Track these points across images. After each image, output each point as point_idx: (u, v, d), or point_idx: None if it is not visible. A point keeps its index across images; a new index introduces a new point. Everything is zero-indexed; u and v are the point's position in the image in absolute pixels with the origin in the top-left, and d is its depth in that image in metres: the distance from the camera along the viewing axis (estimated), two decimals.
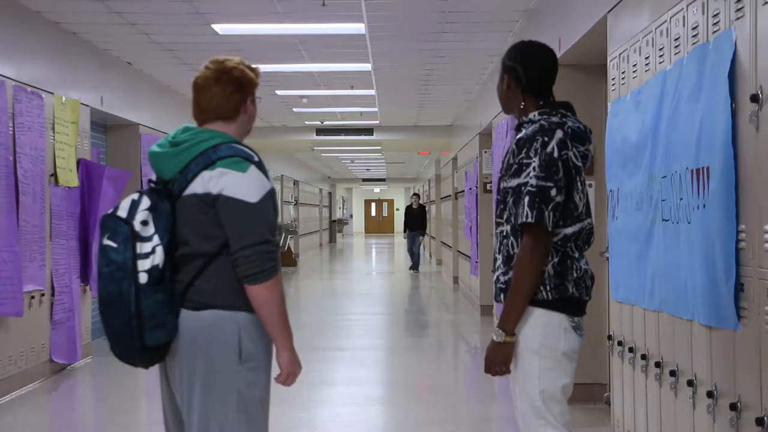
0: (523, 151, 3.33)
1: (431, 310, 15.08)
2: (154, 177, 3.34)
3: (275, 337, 3.26)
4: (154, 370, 3.38)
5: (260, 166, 3.26)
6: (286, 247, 25.76)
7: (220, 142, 3.26)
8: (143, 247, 3.15)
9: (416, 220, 23.24)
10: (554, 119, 3.40)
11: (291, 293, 18.37)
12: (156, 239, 3.17)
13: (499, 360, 3.35)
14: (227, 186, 3.19)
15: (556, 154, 3.30)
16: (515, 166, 3.35)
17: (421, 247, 23.94)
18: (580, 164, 3.38)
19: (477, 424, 6.94)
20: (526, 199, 3.28)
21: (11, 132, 7.62)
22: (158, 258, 3.16)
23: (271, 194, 3.25)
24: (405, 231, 23.53)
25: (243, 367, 3.22)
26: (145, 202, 3.20)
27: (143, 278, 3.13)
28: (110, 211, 3.21)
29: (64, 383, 8.48)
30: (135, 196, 3.24)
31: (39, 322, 8.30)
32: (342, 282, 21.18)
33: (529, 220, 3.27)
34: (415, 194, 24.26)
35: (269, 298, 3.20)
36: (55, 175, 8.59)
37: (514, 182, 3.34)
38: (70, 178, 8.92)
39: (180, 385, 3.25)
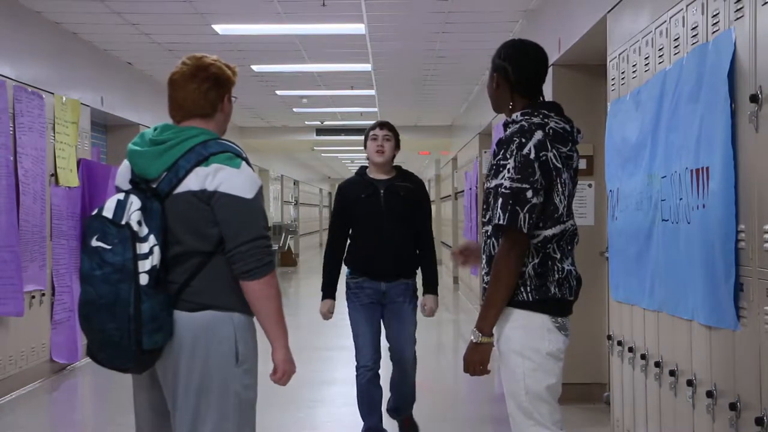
0: (501, 152, 3.30)
1: None
2: (128, 176, 3.26)
3: (271, 333, 3.21)
4: None
5: (248, 162, 3.25)
6: (286, 247, 25.74)
7: (208, 138, 3.22)
8: (141, 248, 3.08)
9: (403, 239, 5.85)
10: (535, 120, 3.34)
11: (291, 293, 18.37)
12: (152, 239, 3.09)
13: (476, 360, 3.34)
14: (223, 182, 3.15)
15: (532, 156, 3.24)
16: (494, 167, 3.33)
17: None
18: (560, 165, 3.30)
19: (476, 425, 6.94)
20: (499, 201, 3.25)
21: (12, 132, 7.62)
22: (156, 258, 3.09)
23: (261, 189, 3.23)
24: (352, 273, 6.17)
25: (240, 369, 3.18)
26: (135, 202, 3.12)
27: (144, 279, 3.05)
28: (95, 212, 3.14)
29: (64, 383, 8.48)
30: (120, 196, 3.16)
31: (39, 322, 8.30)
32: (342, 282, 21.12)
33: (501, 222, 3.24)
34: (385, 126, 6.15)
35: (267, 293, 3.17)
36: (55, 175, 8.59)
37: (493, 183, 3.32)
38: (70, 178, 8.93)
39: (174, 388, 3.18)
